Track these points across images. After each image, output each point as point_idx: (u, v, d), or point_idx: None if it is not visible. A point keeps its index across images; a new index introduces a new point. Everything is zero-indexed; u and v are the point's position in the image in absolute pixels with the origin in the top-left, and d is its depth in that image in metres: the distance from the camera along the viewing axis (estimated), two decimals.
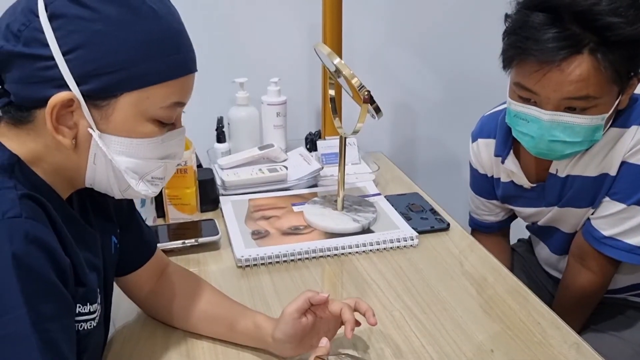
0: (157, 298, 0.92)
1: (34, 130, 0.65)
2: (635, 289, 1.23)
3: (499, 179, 1.26)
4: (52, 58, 0.61)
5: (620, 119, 1.07)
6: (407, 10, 1.67)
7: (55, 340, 0.59)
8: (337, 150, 1.26)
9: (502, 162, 1.21)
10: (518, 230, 1.48)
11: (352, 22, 1.54)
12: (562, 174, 1.14)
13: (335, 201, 1.27)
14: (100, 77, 0.63)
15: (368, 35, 1.66)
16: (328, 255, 1.14)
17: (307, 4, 1.54)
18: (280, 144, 1.49)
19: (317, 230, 1.20)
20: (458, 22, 1.71)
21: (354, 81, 1.04)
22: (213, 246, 1.16)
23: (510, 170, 1.21)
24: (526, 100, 1.04)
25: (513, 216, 1.37)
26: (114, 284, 0.87)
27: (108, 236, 0.81)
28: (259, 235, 1.18)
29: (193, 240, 1.13)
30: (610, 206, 1.10)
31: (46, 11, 0.61)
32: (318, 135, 1.58)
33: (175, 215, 1.23)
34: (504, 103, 1.14)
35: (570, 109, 1.00)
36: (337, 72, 1.10)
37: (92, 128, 0.65)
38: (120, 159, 0.68)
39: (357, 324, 0.83)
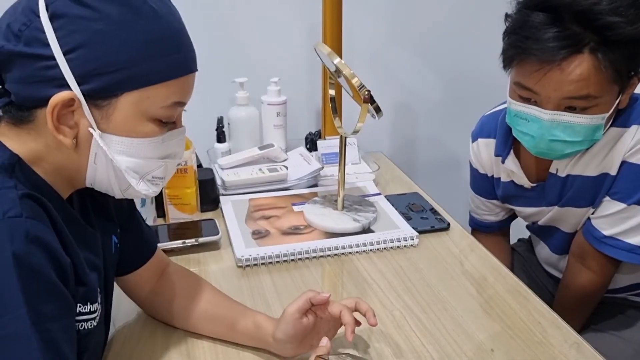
0: (158, 298, 0.92)
1: (34, 130, 0.65)
2: (636, 288, 1.23)
3: (499, 178, 1.26)
4: (53, 58, 0.61)
5: (621, 119, 1.07)
6: (407, 10, 1.67)
7: (56, 339, 0.59)
8: (337, 150, 1.26)
9: (503, 162, 1.21)
10: (518, 230, 1.48)
11: (352, 22, 1.54)
12: (562, 174, 1.14)
13: (336, 201, 1.27)
14: (101, 76, 0.63)
15: (368, 35, 1.66)
16: (328, 255, 1.14)
17: (307, 3, 1.54)
18: (280, 143, 1.49)
19: (318, 230, 1.20)
20: (458, 22, 1.71)
21: (354, 81, 1.04)
22: (213, 246, 1.16)
23: (511, 170, 1.21)
24: (526, 100, 1.04)
25: (513, 216, 1.37)
26: (114, 283, 0.87)
27: (108, 236, 0.81)
28: (259, 235, 1.18)
29: (193, 240, 1.13)
30: (610, 206, 1.10)
31: (47, 11, 0.61)
32: (318, 135, 1.58)
33: (175, 215, 1.23)
34: (504, 103, 1.14)
35: (571, 109, 1.00)
36: (337, 71, 1.10)
37: (92, 128, 0.65)
38: (120, 159, 0.68)
39: (358, 323, 0.83)
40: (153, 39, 0.64)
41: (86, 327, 0.69)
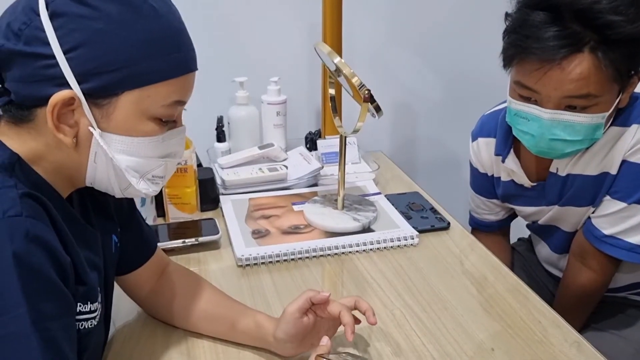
0: (158, 297, 0.92)
1: (34, 129, 0.65)
2: (636, 287, 1.23)
3: (499, 178, 1.26)
4: (53, 57, 0.61)
5: (621, 118, 1.07)
6: (407, 10, 1.67)
7: (56, 339, 0.59)
8: (337, 150, 1.26)
9: (503, 161, 1.21)
10: (518, 229, 1.48)
11: (352, 22, 1.54)
12: (562, 173, 1.14)
13: (336, 200, 1.27)
14: (101, 75, 0.63)
15: (368, 35, 1.66)
16: (328, 255, 1.14)
17: (307, 3, 1.54)
18: (280, 143, 1.49)
19: (318, 230, 1.20)
20: (458, 22, 1.71)
21: (354, 80, 1.04)
22: (213, 245, 1.16)
23: (511, 169, 1.21)
24: (527, 99, 1.04)
25: (513, 215, 1.37)
26: (114, 283, 0.87)
27: (109, 235, 0.81)
28: (259, 235, 1.18)
29: (193, 239, 1.13)
30: (610, 205, 1.10)
31: (47, 10, 0.61)
32: (318, 134, 1.58)
33: (175, 214, 1.23)
34: (504, 102, 1.14)
35: (571, 108, 1.00)
36: (338, 71, 1.10)
37: (93, 126, 0.65)
38: (121, 158, 0.68)
39: (357, 321, 0.83)
40: (153, 38, 0.64)
41: (86, 327, 0.69)
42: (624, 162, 1.07)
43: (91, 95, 0.64)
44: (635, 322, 1.24)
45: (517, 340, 0.91)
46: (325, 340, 0.78)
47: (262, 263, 1.10)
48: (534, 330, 0.93)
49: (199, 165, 1.36)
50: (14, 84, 0.64)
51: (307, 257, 1.13)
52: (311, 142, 1.56)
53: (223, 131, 1.46)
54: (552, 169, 1.15)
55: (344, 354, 0.82)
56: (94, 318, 0.71)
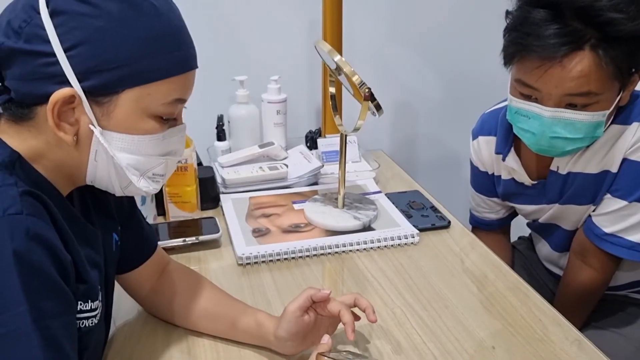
0: (158, 296, 0.92)
1: (34, 127, 0.65)
2: (636, 286, 1.23)
3: (500, 176, 1.26)
4: (53, 54, 0.61)
5: (622, 116, 1.07)
6: (407, 9, 1.67)
7: (57, 337, 0.59)
8: (338, 148, 1.26)
9: (503, 160, 1.21)
10: (518, 228, 1.48)
11: (353, 22, 1.54)
12: (563, 171, 1.14)
13: (336, 199, 1.27)
14: (101, 73, 0.62)
15: (368, 35, 1.66)
16: (329, 253, 1.14)
17: (307, 2, 1.54)
18: (280, 142, 1.49)
19: (318, 228, 1.20)
20: (458, 21, 1.71)
21: (354, 78, 1.04)
22: (214, 244, 1.16)
23: (511, 168, 1.20)
24: (527, 97, 1.04)
25: (514, 214, 1.37)
26: (115, 281, 0.87)
27: (109, 233, 0.81)
28: (259, 233, 1.18)
29: (194, 238, 1.13)
30: (611, 203, 1.10)
31: (47, 7, 0.61)
32: (318, 133, 1.58)
33: (175, 213, 1.23)
34: (505, 100, 1.14)
35: (572, 106, 1.00)
36: (338, 69, 1.10)
37: (93, 125, 0.65)
38: (121, 156, 0.68)
39: (357, 318, 0.83)
40: (154, 35, 0.64)
41: (87, 325, 0.69)
42: (624, 160, 1.07)
43: (92, 93, 0.63)
44: (635, 320, 1.24)
45: (518, 338, 0.91)
46: (326, 339, 0.78)
47: (263, 262, 1.10)
48: (535, 328, 0.93)
49: (199, 163, 1.36)
50: (14, 82, 0.64)
51: (307, 256, 1.13)
52: (311, 141, 1.56)
53: (223, 130, 1.45)
54: (553, 167, 1.15)
55: (344, 352, 0.82)
56: (94, 316, 0.71)
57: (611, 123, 1.06)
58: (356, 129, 1.12)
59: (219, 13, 1.51)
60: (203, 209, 1.29)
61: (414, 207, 1.31)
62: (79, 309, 0.67)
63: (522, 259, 1.44)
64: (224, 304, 0.91)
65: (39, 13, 0.61)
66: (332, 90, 1.25)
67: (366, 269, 1.09)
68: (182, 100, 0.70)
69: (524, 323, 0.94)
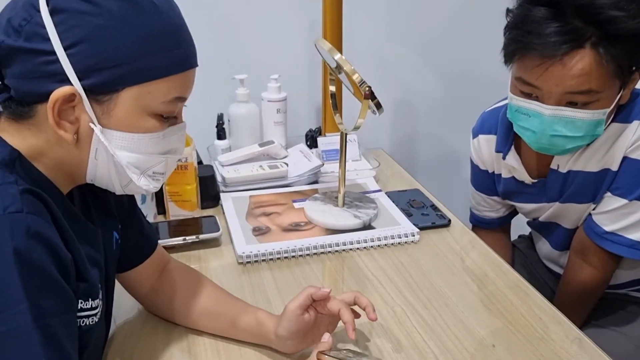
0: (158, 294, 0.92)
1: (35, 125, 0.65)
2: (637, 284, 1.23)
3: (500, 174, 1.26)
4: (53, 53, 0.61)
5: (622, 114, 1.07)
6: (407, 8, 1.67)
7: (57, 335, 0.59)
8: (338, 147, 1.26)
9: (503, 158, 1.21)
10: (519, 227, 1.48)
11: (353, 21, 1.54)
12: (563, 170, 1.14)
13: (336, 197, 1.27)
14: (101, 71, 0.62)
15: (368, 34, 1.66)
16: (329, 252, 1.14)
17: (307, 2, 1.54)
18: (280, 140, 1.49)
19: (318, 227, 1.20)
20: (458, 21, 1.71)
21: (355, 77, 1.04)
22: (214, 243, 1.16)
23: (512, 166, 1.20)
24: (528, 95, 1.04)
25: (514, 212, 1.37)
26: (115, 280, 0.87)
27: (109, 232, 0.81)
28: (259, 232, 1.18)
29: (194, 236, 1.13)
30: (611, 201, 1.10)
31: (47, 6, 0.61)
32: (318, 131, 1.58)
33: (175, 212, 1.23)
34: (505, 99, 1.14)
35: (572, 104, 1.00)
36: (338, 67, 1.10)
37: (93, 123, 0.65)
38: (121, 154, 0.68)
39: (357, 315, 0.83)
40: (154, 34, 0.64)
41: (87, 323, 0.69)
42: (625, 158, 1.07)
43: (92, 92, 0.63)
44: (636, 318, 1.24)
45: (518, 336, 0.91)
46: (326, 337, 0.78)
47: (263, 260, 1.10)
48: (535, 326, 0.93)
49: (200, 162, 1.36)
50: (14, 81, 0.64)
51: (307, 255, 1.13)
52: (311, 140, 1.56)
53: (223, 129, 1.45)
54: (553, 166, 1.15)
55: (344, 351, 0.82)
56: (94, 315, 0.71)
57: (611, 121, 1.06)
58: (356, 128, 1.12)
59: (219, 13, 1.51)
60: (203, 207, 1.29)
61: (414, 206, 1.31)
62: (79, 307, 0.67)
63: (522, 257, 1.44)
64: (224, 303, 0.91)
65: (39, 11, 0.61)
66: (332, 88, 1.25)
67: (366, 268, 1.09)
68: (182, 99, 0.70)
69: (524, 321, 0.94)
